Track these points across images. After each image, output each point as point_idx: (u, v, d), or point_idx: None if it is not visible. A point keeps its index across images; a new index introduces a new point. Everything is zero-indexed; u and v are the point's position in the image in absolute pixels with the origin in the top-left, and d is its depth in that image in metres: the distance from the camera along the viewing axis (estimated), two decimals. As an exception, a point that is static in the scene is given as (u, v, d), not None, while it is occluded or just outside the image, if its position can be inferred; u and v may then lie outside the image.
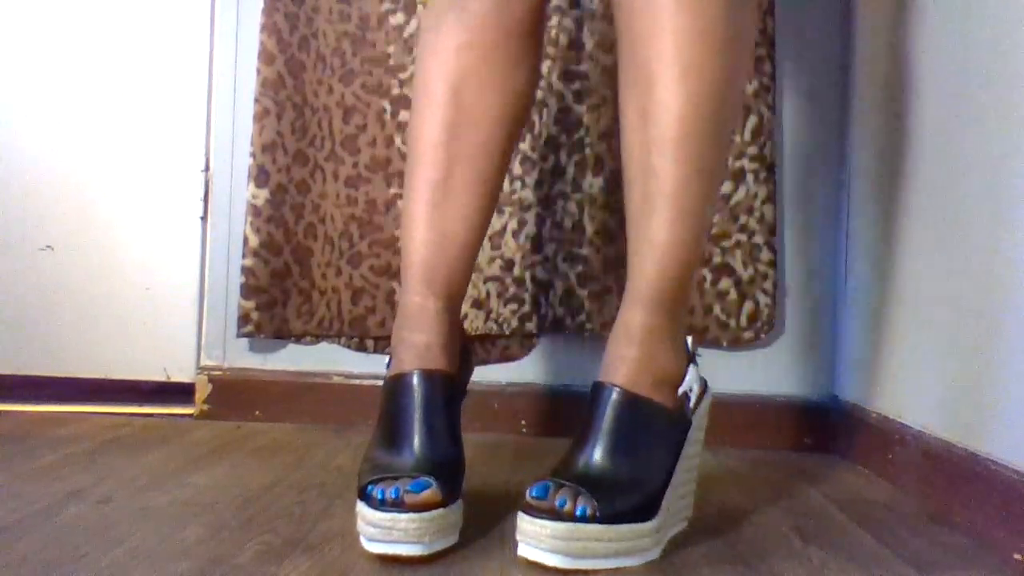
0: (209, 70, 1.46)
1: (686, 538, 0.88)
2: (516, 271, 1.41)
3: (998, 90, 0.95)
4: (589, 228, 1.39)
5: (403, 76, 1.41)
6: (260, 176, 1.39)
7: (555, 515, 0.77)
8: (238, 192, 1.43)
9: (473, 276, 1.39)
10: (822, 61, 1.42)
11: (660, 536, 0.83)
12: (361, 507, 0.80)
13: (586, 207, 1.39)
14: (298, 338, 1.43)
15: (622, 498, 0.80)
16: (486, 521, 0.93)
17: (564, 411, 1.39)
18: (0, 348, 1.44)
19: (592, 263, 1.39)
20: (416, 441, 0.86)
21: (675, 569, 0.81)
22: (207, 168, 1.46)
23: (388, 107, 1.41)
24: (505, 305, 1.41)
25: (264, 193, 1.39)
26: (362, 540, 0.80)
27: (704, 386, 0.92)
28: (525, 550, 0.77)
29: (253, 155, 1.39)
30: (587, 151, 1.39)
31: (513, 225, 1.41)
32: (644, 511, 0.81)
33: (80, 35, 1.46)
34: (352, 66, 1.41)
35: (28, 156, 1.46)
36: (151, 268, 1.46)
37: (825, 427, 1.38)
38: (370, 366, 1.43)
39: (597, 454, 0.83)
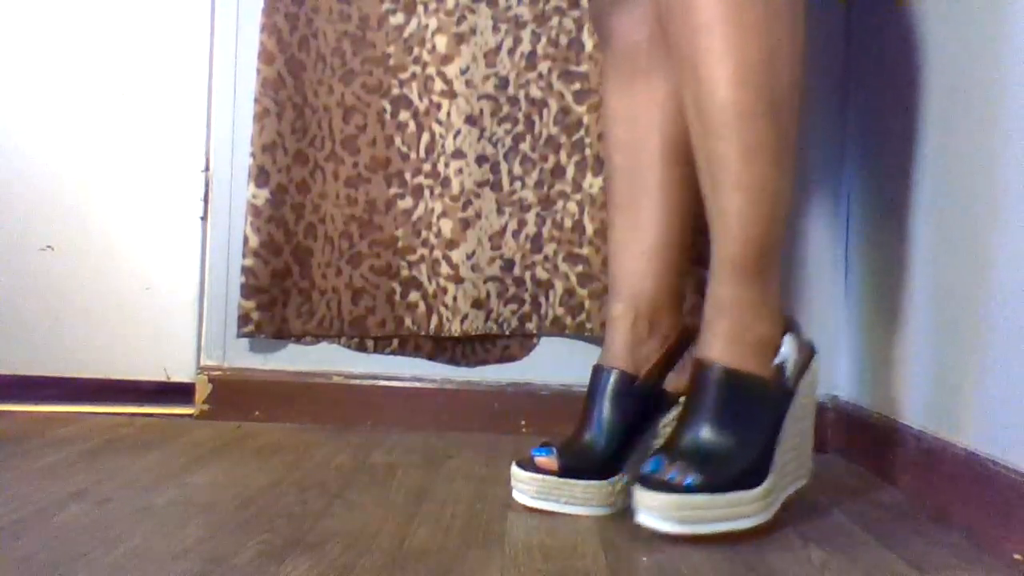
0: (209, 70, 1.46)
1: (686, 538, 0.88)
2: (516, 271, 1.41)
3: (1000, 89, 0.95)
4: (589, 228, 1.39)
5: (403, 76, 1.41)
6: (260, 176, 1.39)
7: (667, 487, 0.86)
8: (238, 192, 1.43)
9: (473, 276, 1.40)
10: (822, 61, 1.42)
11: (770, 500, 0.90)
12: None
13: (586, 207, 1.39)
14: (298, 338, 1.43)
15: (725, 469, 0.88)
16: (486, 521, 0.93)
17: (564, 411, 1.39)
18: (0, 348, 1.44)
19: (592, 263, 1.39)
20: (588, 425, 1.01)
21: (675, 569, 0.81)
22: (207, 168, 1.46)
23: (388, 107, 1.41)
24: (505, 305, 1.41)
25: (264, 193, 1.39)
26: None
27: (811, 352, 0.98)
28: (643, 518, 0.86)
29: (253, 155, 1.39)
30: (587, 151, 1.39)
31: (513, 225, 1.41)
32: (749, 479, 0.88)
33: (80, 35, 1.46)
34: (352, 66, 1.41)
35: (28, 156, 1.46)
36: (151, 268, 1.46)
37: (825, 427, 1.38)
38: (370, 366, 1.44)
39: (701, 430, 0.90)
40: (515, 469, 1.00)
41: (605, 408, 1.01)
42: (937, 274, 1.07)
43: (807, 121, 1.42)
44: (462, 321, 1.40)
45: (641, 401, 1.02)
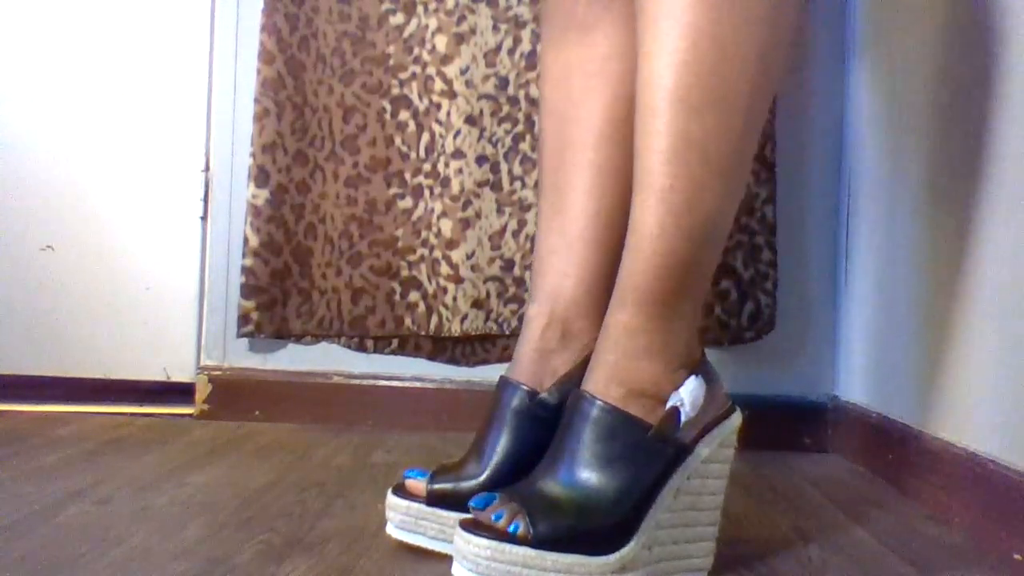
0: (209, 70, 1.46)
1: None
2: (516, 271, 1.41)
3: (1002, 87, 0.95)
4: (589, 228, 1.39)
5: (403, 76, 1.41)
6: (260, 176, 1.39)
7: (485, 530, 0.69)
8: (238, 192, 1.43)
9: (473, 276, 1.40)
10: (821, 61, 1.42)
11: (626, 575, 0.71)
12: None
13: (586, 207, 1.39)
14: (298, 338, 1.43)
15: (562, 522, 0.70)
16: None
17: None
18: (0, 348, 1.44)
19: (592, 263, 1.39)
20: (479, 447, 0.84)
21: (675, 569, 0.81)
22: (207, 168, 1.46)
23: (388, 107, 1.41)
24: (505, 305, 1.41)
25: (264, 193, 1.39)
26: None
27: (729, 408, 0.81)
28: (456, 568, 0.70)
29: (253, 155, 1.39)
30: (587, 151, 1.39)
31: (513, 225, 1.41)
32: (599, 543, 0.70)
33: (80, 35, 1.46)
34: (352, 66, 1.41)
35: (28, 156, 1.46)
36: (151, 268, 1.46)
37: (825, 427, 1.38)
38: (370, 366, 1.43)
39: (549, 466, 0.73)
40: (388, 494, 0.84)
41: (496, 429, 0.84)
42: (937, 274, 1.07)
43: (806, 119, 1.42)
44: (462, 321, 1.40)
45: (541, 423, 0.83)
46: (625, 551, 0.71)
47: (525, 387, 0.84)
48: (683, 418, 0.75)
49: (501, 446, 0.83)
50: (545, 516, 0.69)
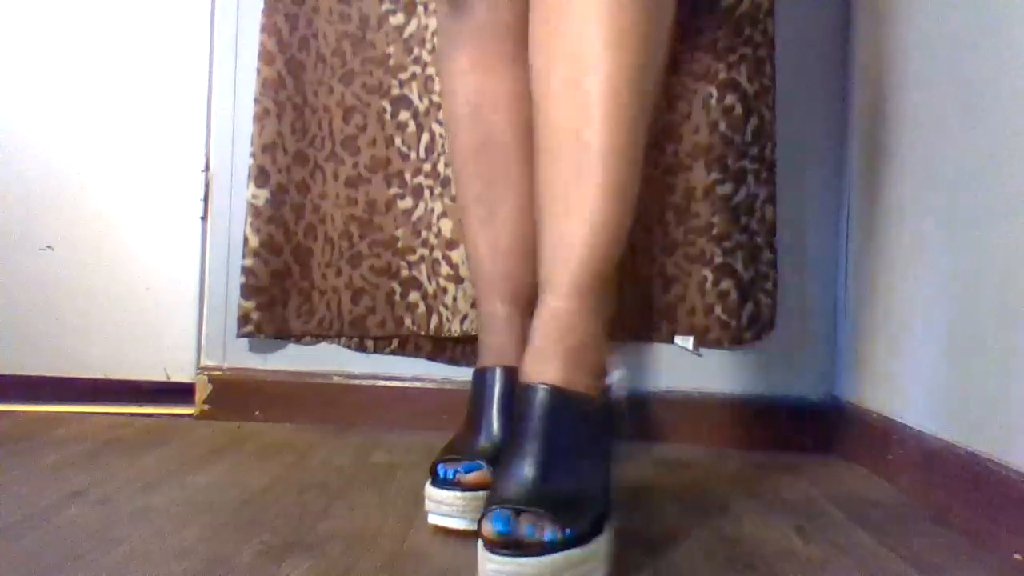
0: (209, 70, 1.46)
1: (686, 538, 0.88)
2: (516, 271, 1.41)
3: (1000, 87, 0.95)
4: (589, 228, 1.39)
5: (403, 76, 1.41)
6: (260, 176, 1.39)
7: (524, 548, 0.69)
8: (238, 192, 1.43)
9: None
10: (822, 62, 1.42)
11: (612, 540, 0.77)
12: (427, 483, 0.91)
13: (586, 207, 1.39)
14: (298, 338, 1.43)
15: (580, 514, 0.73)
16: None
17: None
18: (0, 348, 1.44)
19: (592, 263, 1.39)
20: (483, 427, 0.93)
21: (676, 569, 0.81)
22: (207, 168, 1.46)
23: (388, 107, 1.41)
24: (505, 305, 1.41)
25: (264, 193, 1.39)
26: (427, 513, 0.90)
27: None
28: None
29: (253, 155, 1.39)
30: (587, 151, 1.39)
31: (513, 225, 1.41)
32: (600, 522, 0.75)
33: (80, 35, 1.46)
34: (352, 66, 1.41)
35: (28, 156, 1.46)
36: (151, 268, 1.46)
37: (825, 427, 1.38)
38: (370, 366, 1.43)
39: (540, 466, 0.74)
40: (444, 493, 0.88)
41: (503, 415, 0.93)
42: (937, 274, 1.07)
43: (806, 119, 1.42)
44: (462, 321, 1.40)
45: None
46: (613, 518, 0.77)
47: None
48: (614, 393, 0.83)
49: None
50: (565, 516, 0.72)
